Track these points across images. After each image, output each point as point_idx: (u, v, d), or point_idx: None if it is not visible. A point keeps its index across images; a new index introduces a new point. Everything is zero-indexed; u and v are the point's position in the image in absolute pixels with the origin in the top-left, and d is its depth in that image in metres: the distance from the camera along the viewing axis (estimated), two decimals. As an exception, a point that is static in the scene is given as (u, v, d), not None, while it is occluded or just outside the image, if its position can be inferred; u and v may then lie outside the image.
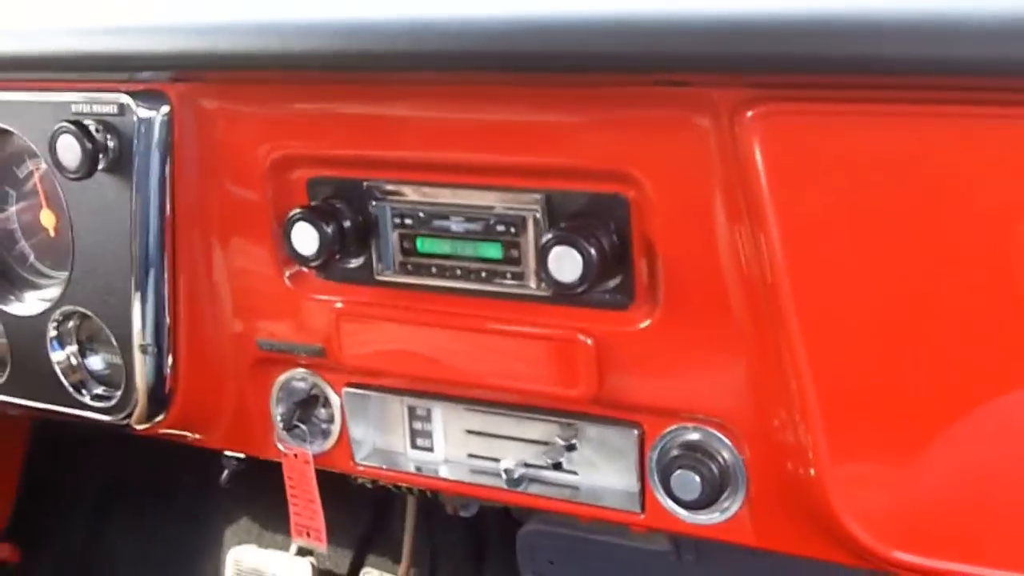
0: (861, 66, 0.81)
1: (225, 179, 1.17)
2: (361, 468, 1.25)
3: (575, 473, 1.14)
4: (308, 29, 1.00)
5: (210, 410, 1.30)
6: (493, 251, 1.07)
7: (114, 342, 1.24)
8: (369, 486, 1.37)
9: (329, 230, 1.09)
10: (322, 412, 1.25)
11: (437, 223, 1.09)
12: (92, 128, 1.15)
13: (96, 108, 1.16)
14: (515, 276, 1.07)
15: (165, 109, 1.16)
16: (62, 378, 1.30)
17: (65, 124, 1.15)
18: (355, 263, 1.15)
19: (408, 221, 1.10)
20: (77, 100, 1.17)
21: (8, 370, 1.33)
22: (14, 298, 1.33)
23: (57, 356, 1.29)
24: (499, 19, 0.92)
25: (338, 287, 1.17)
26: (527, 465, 1.15)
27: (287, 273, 1.19)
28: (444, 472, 1.20)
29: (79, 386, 1.30)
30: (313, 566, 1.89)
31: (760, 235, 0.91)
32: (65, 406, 1.31)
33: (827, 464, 0.95)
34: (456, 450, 1.20)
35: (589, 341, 1.04)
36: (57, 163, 1.17)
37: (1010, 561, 0.92)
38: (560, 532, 1.46)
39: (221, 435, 1.33)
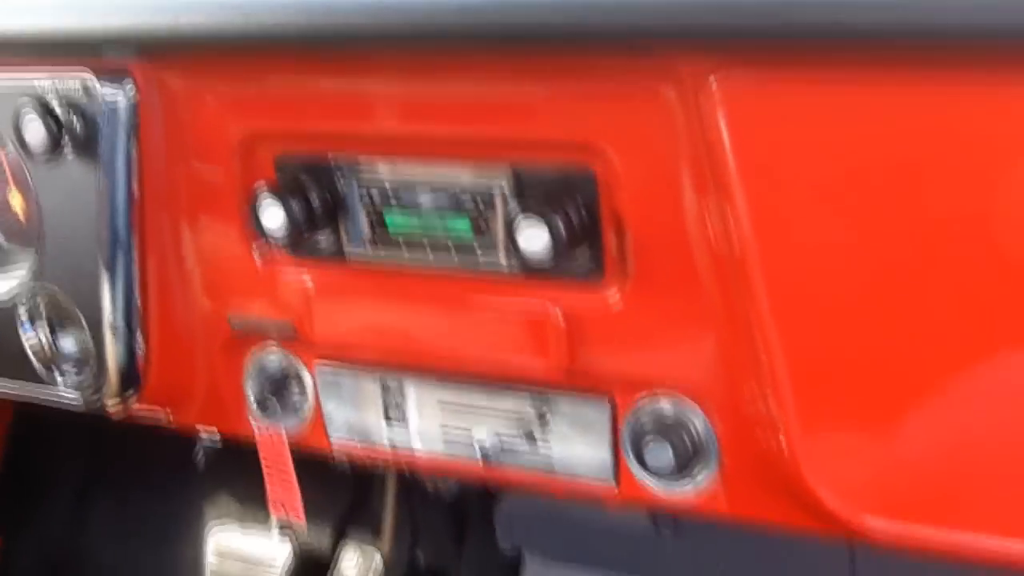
0: (823, 32, 0.81)
1: (192, 157, 1.16)
2: (335, 444, 1.24)
3: (549, 445, 1.14)
4: (272, 4, 0.99)
5: (183, 389, 1.29)
6: (462, 225, 1.07)
7: (84, 322, 1.23)
8: (347, 468, 1.37)
9: (296, 207, 1.08)
10: (295, 389, 1.25)
11: (405, 197, 1.09)
12: (57, 109, 1.14)
13: (60, 88, 1.15)
14: (485, 251, 1.07)
15: (131, 88, 1.14)
16: (33, 359, 1.29)
17: (29, 105, 1.13)
18: (324, 240, 1.14)
19: (376, 196, 1.10)
20: (41, 81, 1.16)
21: None
22: (-17, 279, 1.32)
23: (28, 336, 1.29)
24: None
25: (308, 264, 1.16)
26: (500, 435, 1.15)
27: (256, 251, 1.18)
28: (418, 445, 1.20)
29: (49, 365, 1.29)
30: (293, 545, 1.90)
31: (727, 207, 0.91)
32: (37, 385, 1.30)
33: (797, 434, 0.95)
34: (429, 423, 1.19)
35: (560, 314, 1.04)
36: (22, 145, 1.16)
37: (979, 523, 0.93)
38: (538, 504, 1.46)
39: (195, 414, 1.32)
